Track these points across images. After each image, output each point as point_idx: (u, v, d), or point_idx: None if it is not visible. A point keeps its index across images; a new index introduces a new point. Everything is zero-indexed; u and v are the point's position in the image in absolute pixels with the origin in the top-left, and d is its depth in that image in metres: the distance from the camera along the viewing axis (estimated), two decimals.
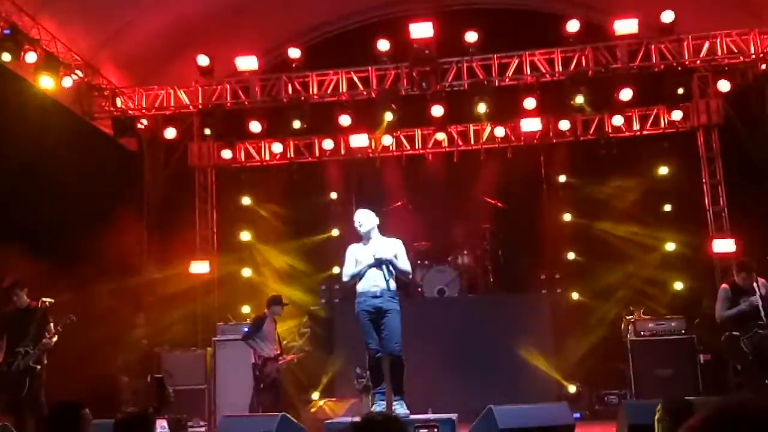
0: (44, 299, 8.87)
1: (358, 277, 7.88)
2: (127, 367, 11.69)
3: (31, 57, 11.34)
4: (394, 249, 7.92)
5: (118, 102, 13.25)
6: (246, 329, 10.78)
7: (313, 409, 10.89)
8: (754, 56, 11.99)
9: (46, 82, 11.52)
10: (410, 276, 8.51)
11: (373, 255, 7.77)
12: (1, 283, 9.02)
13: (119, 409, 10.82)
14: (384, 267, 7.80)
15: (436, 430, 4.53)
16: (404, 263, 7.96)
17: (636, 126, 13.79)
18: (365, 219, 7.98)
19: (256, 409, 9.86)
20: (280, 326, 10.96)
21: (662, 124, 13.71)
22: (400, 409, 7.71)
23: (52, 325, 8.82)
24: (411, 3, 13.75)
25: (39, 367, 8.68)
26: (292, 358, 10.87)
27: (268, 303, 10.71)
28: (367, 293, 7.81)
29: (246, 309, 13.33)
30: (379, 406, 7.80)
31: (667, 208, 13.33)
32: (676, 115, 13.16)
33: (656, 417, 5.24)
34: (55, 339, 8.78)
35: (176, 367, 11.97)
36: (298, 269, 13.93)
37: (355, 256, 7.92)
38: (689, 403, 5.14)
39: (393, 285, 7.86)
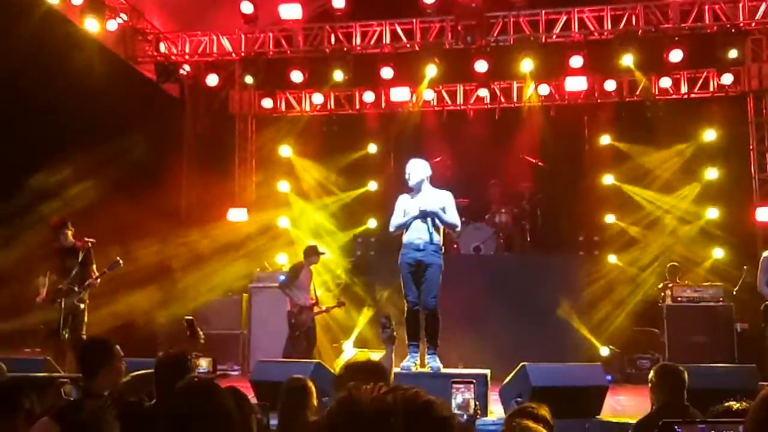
0: (87, 239, 9.04)
1: (404, 227, 7.85)
2: (165, 310, 11.89)
3: None
4: (443, 201, 7.85)
5: (162, 47, 13.26)
6: (283, 278, 10.88)
7: (345, 359, 11.00)
8: None
9: (91, 25, 11.57)
10: (458, 229, 8.42)
11: (419, 207, 7.74)
12: (49, 221, 9.22)
13: (156, 350, 11.06)
14: (429, 220, 7.76)
15: (472, 385, 4.52)
16: (453, 216, 7.90)
17: (684, 89, 13.48)
18: (415, 170, 7.91)
19: (290, 356, 10.00)
20: (317, 277, 11.05)
21: (711, 88, 13.39)
22: (433, 362, 7.75)
23: (95, 266, 9.01)
24: None
25: (82, 306, 8.90)
26: (327, 309, 10.97)
27: (306, 253, 10.80)
28: (411, 245, 7.79)
29: (282, 258, 13.44)
30: (412, 359, 7.85)
31: (713, 174, 13.05)
32: (727, 78, 12.79)
33: (649, 386, 5.17)
34: (98, 280, 8.97)
35: (213, 311, 12.18)
36: (334, 221, 13.97)
37: (404, 207, 7.90)
38: (681, 371, 5.07)
39: (437, 238, 7.81)
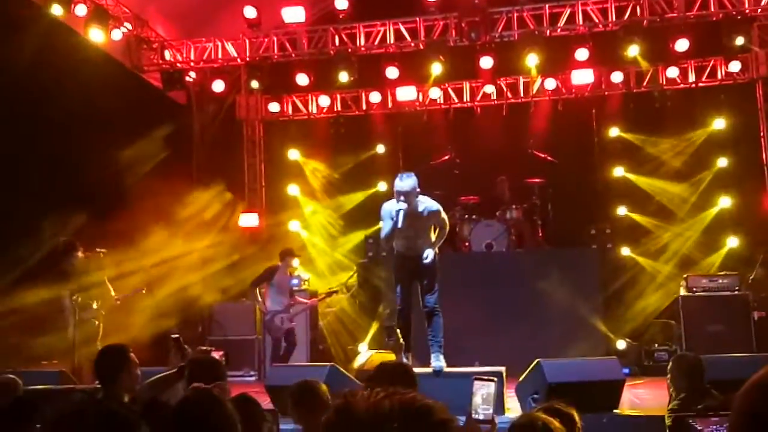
0: (99, 250, 9.08)
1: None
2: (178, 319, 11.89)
3: (81, 10, 11.46)
4: (433, 218, 7.78)
5: (167, 55, 13.29)
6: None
7: (361, 362, 10.97)
8: None
9: (95, 35, 11.62)
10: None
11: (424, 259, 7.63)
12: (56, 246, 9.22)
13: (167, 359, 11.07)
14: (419, 228, 7.67)
15: (494, 381, 4.40)
16: (441, 233, 7.87)
17: (692, 78, 13.39)
18: (408, 189, 7.45)
19: (278, 361, 10.12)
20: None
21: (719, 76, 13.29)
22: (436, 362, 7.70)
23: (107, 279, 9.03)
24: None
25: (96, 322, 8.95)
26: (312, 303, 10.96)
27: (281, 255, 10.87)
28: (403, 255, 7.79)
29: (295, 261, 13.41)
30: (405, 359, 7.79)
31: (723, 162, 12.97)
32: (734, 66, 12.72)
33: (668, 377, 5.18)
34: (119, 302, 9.04)
35: (227, 318, 12.21)
36: (345, 223, 13.96)
37: (392, 216, 7.58)
38: (700, 360, 5.09)
39: (430, 242, 7.75)
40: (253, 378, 11.61)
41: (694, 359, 5.15)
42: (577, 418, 3.32)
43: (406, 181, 7.50)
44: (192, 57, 13.34)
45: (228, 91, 13.75)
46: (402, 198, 7.44)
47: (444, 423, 1.38)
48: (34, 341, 9.01)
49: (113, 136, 11.16)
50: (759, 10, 11.86)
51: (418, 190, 7.59)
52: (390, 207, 7.61)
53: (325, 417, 1.43)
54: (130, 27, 12.60)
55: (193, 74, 13.64)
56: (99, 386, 4.94)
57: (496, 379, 3.08)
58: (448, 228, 8.02)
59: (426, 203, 7.73)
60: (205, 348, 5.26)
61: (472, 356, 8.85)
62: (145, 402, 4.01)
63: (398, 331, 8.00)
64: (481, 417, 3.14)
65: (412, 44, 12.62)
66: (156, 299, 10.99)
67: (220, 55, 13.29)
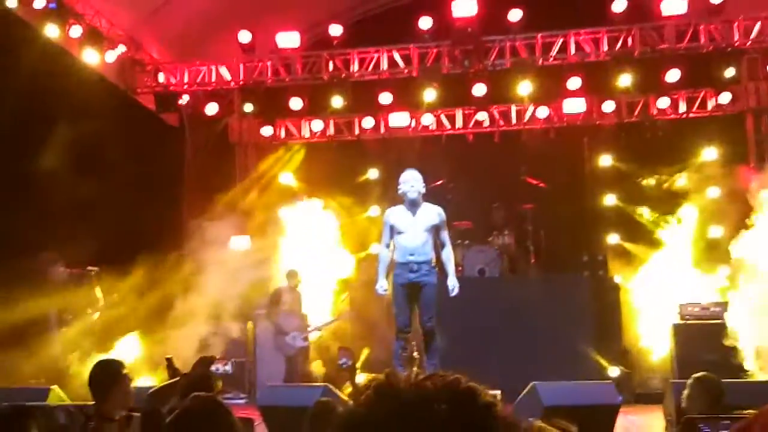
0: (90, 268, 9.00)
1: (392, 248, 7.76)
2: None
3: (75, 31, 11.49)
4: (439, 219, 7.81)
5: (161, 77, 13.30)
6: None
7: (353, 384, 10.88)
8: None
9: (90, 57, 11.63)
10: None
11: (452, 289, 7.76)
12: (37, 259, 9.13)
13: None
14: (422, 238, 7.68)
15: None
16: (449, 243, 7.93)
17: (682, 108, 13.52)
18: (416, 181, 7.69)
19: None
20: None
21: (709, 107, 13.42)
22: None
23: (97, 290, 8.94)
24: None
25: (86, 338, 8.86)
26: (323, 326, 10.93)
27: (287, 276, 11.04)
28: (404, 266, 7.73)
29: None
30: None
31: (713, 193, 13.06)
32: (724, 97, 12.85)
33: (685, 395, 5.20)
34: (96, 316, 8.95)
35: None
36: (337, 246, 13.89)
37: (396, 222, 7.73)
38: (720, 383, 5.09)
39: (431, 256, 7.77)
40: (243, 401, 11.44)
41: (715, 381, 5.16)
42: None
43: (410, 172, 7.72)
44: (186, 80, 13.35)
45: (221, 115, 13.74)
46: (411, 184, 7.58)
47: (491, 405, 1.35)
48: (20, 358, 8.88)
49: (106, 157, 11.10)
50: (748, 43, 12.03)
51: (423, 184, 7.73)
52: (393, 213, 7.69)
53: (365, 397, 1.37)
54: (124, 49, 12.61)
55: (186, 97, 13.64)
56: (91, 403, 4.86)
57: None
58: (449, 242, 8.03)
59: (427, 206, 7.80)
60: (207, 357, 5.20)
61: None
62: (145, 412, 3.95)
63: (413, 344, 7.97)
64: None
65: (406, 71, 12.71)
66: (146, 321, 10.87)
67: (213, 78, 13.31)
